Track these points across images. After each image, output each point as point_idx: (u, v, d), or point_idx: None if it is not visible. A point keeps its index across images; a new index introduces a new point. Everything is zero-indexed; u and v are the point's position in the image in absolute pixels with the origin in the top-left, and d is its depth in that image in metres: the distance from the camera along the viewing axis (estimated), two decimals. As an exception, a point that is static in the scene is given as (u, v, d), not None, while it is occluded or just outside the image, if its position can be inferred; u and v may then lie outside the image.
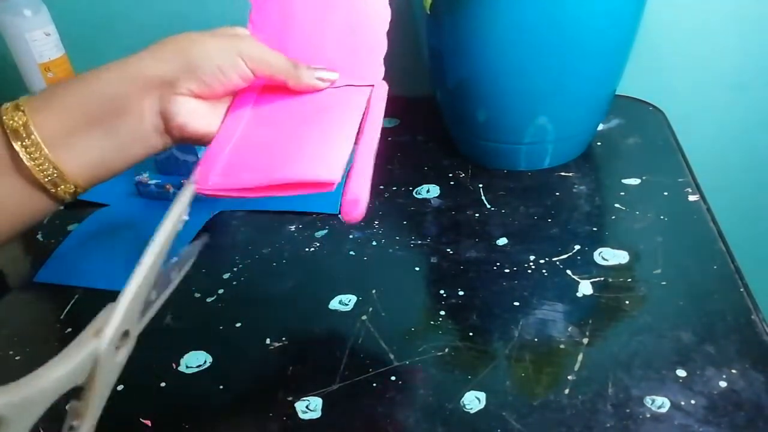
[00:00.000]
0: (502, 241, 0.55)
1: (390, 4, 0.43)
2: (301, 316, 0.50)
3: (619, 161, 0.66)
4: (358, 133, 0.39)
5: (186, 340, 0.47)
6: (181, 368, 0.45)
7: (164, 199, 0.64)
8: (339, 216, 0.34)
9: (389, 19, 0.43)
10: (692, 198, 0.58)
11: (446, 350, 0.45)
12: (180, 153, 0.64)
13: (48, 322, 0.52)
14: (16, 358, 0.48)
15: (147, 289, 0.31)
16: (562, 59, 0.56)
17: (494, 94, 0.60)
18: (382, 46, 0.43)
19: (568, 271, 0.51)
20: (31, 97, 0.36)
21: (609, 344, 0.44)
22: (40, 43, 0.74)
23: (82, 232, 0.61)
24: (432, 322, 0.47)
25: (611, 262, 0.51)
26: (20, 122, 0.34)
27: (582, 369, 0.43)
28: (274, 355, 0.46)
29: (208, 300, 0.51)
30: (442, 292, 0.50)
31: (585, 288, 0.49)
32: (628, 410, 0.39)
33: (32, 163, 0.35)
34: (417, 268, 0.53)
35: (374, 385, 0.43)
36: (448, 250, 0.55)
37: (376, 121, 0.40)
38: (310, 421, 0.41)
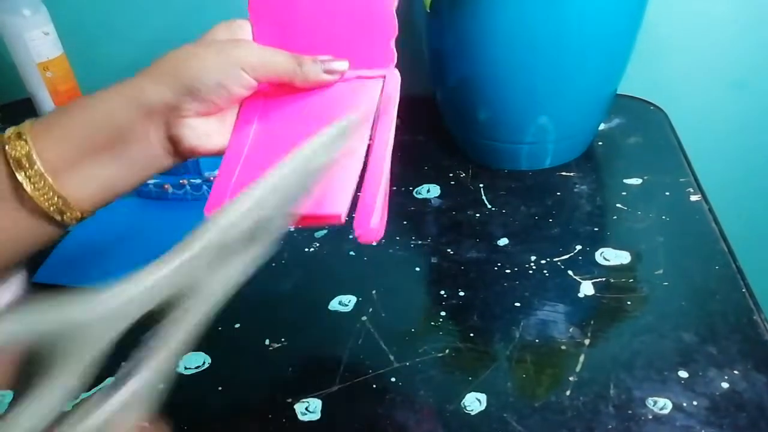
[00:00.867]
0: (503, 241, 0.55)
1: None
2: (301, 317, 0.49)
3: (621, 161, 0.65)
4: (368, 145, 0.37)
5: (185, 341, 0.47)
6: (180, 369, 0.45)
7: (163, 199, 0.63)
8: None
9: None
10: (694, 198, 0.58)
11: (447, 351, 0.45)
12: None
13: (47, 323, 0.52)
14: (15, 358, 0.48)
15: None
16: (563, 58, 0.56)
17: (495, 94, 0.60)
18: (392, 27, 0.40)
19: (570, 272, 0.51)
20: (35, 123, 0.35)
21: (610, 345, 0.44)
22: (39, 43, 0.74)
23: (81, 233, 0.61)
24: (432, 323, 0.47)
25: (613, 263, 0.51)
26: (23, 152, 0.34)
27: (583, 370, 0.42)
28: (274, 356, 0.46)
29: (208, 300, 0.51)
30: (442, 292, 0.50)
31: (586, 288, 0.49)
32: (629, 411, 0.39)
33: (36, 192, 0.34)
34: (417, 269, 0.53)
35: (374, 386, 0.43)
36: (449, 250, 0.54)
37: (387, 128, 0.37)
38: (310, 422, 0.41)
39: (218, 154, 0.39)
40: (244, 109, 0.40)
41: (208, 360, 0.46)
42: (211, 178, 0.63)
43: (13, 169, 0.34)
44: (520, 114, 0.61)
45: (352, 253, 0.55)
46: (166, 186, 0.63)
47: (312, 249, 0.56)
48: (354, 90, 0.40)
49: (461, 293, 0.50)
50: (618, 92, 0.65)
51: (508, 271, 0.52)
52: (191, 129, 0.37)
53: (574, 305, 0.48)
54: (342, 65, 0.40)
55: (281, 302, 0.51)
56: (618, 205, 0.58)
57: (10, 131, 0.35)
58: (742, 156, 0.82)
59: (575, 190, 0.61)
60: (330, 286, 0.52)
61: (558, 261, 0.52)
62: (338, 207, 0.34)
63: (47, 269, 0.56)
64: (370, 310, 0.49)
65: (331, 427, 0.40)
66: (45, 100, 0.78)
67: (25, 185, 0.34)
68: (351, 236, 0.57)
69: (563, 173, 0.64)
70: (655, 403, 0.40)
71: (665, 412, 0.39)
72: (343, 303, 0.50)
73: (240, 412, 0.42)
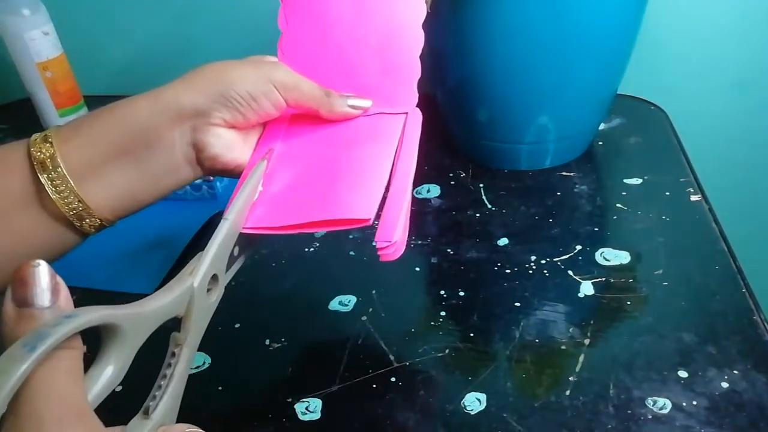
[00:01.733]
0: (503, 241, 0.55)
1: (423, 27, 0.42)
2: (301, 317, 0.49)
3: (621, 161, 0.65)
4: (392, 167, 0.38)
5: (185, 341, 0.47)
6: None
7: (164, 199, 0.63)
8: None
9: (422, 43, 0.41)
10: (694, 198, 0.58)
11: (447, 351, 0.45)
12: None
13: (47, 323, 0.52)
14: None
15: (232, 241, 0.35)
16: (563, 58, 0.56)
17: (495, 94, 0.60)
18: (416, 71, 0.42)
19: (570, 272, 0.51)
20: (60, 127, 0.36)
21: (610, 345, 0.44)
22: (39, 43, 0.74)
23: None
24: (432, 323, 0.47)
25: (613, 263, 0.51)
26: (47, 154, 0.34)
27: (583, 370, 0.42)
28: (274, 356, 0.46)
29: (208, 300, 0.51)
30: (442, 292, 0.50)
31: (586, 288, 0.49)
32: (629, 411, 0.39)
33: (57, 196, 0.34)
34: (417, 269, 0.53)
35: (374, 386, 0.43)
36: (449, 250, 0.54)
37: (410, 154, 0.38)
38: (310, 422, 0.41)
39: (233, 173, 0.39)
40: (268, 131, 0.41)
41: (208, 360, 0.46)
42: (211, 178, 0.63)
43: (37, 171, 0.34)
44: (520, 114, 0.61)
45: (352, 253, 0.55)
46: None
47: (312, 249, 0.56)
48: (376, 122, 0.41)
49: (461, 293, 0.50)
50: (618, 92, 0.65)
51: (508, 271, 0.52)
52: (217, 137, 0.37)
53: (574, 305, 0.48)
54: (366, 103, 0.41)
55: (281, 302, 0.51)
56: (618, 205, 0.58)
57: (36, 135, 0.36)
58: (742, 156, 0.82)
59: (575, 190, 0.61)
60: (330, 286, 0.52)
61: (558, 261, 0.52)
62: (366, 212, 0.35)
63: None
64: (370, 310, 0.49)
65: (331, 427, 0.40)
66: (45, 100, 0.78)
67: (47, 187, 0.34)
68: (351, 236, 0.57)
69: (563, 173, 0.64)
70: (655, 402, 0.40)
71: (665, 412, 0.39)
72: (343, 303, 0.50)
73: (240, 412, 0.42)
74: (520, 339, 0.45)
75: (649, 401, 0.40)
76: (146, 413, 0.28)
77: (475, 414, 0.40)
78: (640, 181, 0.61)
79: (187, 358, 0.31)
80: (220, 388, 0.44)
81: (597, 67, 0.58)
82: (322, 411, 0.41)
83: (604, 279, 0.50)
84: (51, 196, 0.34)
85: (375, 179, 0.37)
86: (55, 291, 0.23)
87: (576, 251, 0.53)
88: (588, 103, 0.62)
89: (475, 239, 0.55)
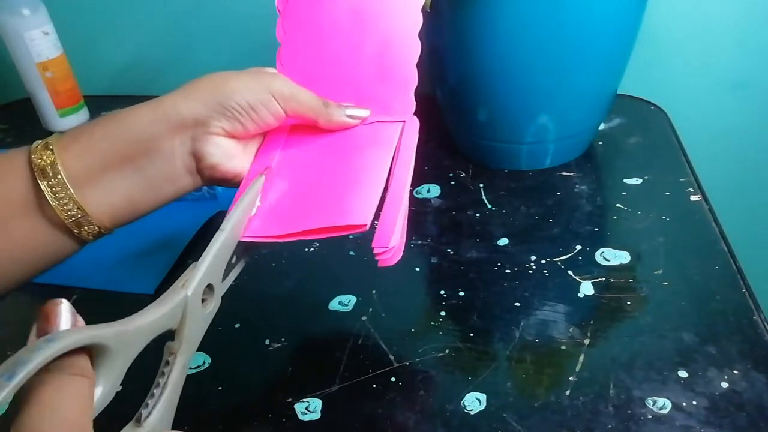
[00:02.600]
0: (503, 241, 0.55)
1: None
2: (301, 317, 0.49)
3: (621, 161, 0.65)
4: (389, 174, 0.38)
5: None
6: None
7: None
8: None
9: (419, 52, 0.42)
10: (694, 198, 0.58)
11: (447, 351, 0.45)
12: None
13: (47, 323, 0.52)
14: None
15: (228, 252, 0.34)
16: (563, 58, 0.56)
17: (495, 93, 0.60)
18: (413, 79, 0.42)
19: (570, 272, 0.51)
20: (61, 135, 0.36)
21: (610, 345, 0.44)
22: (39, 43, 0.74)
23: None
24: (432, 323, 0.47)
25: (613, 263, 0.51)
26: (48, 161, 0.34)
27: (583, 370, 0.42)
28: (274, 356, 0.46)
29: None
30: (442, 292, 0.50)
31: (586, 288, 0.49)
32: (629, 411, 0.39)
33: (57, 203, 0.34)
34: (417, 269, 0.53)
35: (374, 386, 0.43)
36: (449, 250, 0.54)
37: (408, 161, 0.39)
38: (310, 422, 0.41)
39: (233, 182, 0.40)
40: (268, 140, 0.42)
41: (208, 360, 0.46)
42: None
43: (37, 178, 0.34)
44: (520, 114, 0.61)
45: (352, 253, 0.55)
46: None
47: (312, 249, 0.56)
48: (374, 131, 0.41)
49: (461, 293, 0.50)
50: (618, 92, 0.65)
51: (508, 271, 0.52)
52: (216, 146, 0.38)
53: (574, 305, 0.48)
54: (364, 113, 0.42)
55: (281, 302, 0.51)
56: (618, 205, 0.58)
57: (38, 142, 0.36)
58: (742, 156, 0.82)
59: (575, 190, 0.61)
60: (330, 286, 0.52)
61: (558, 261, 0.52)
62: (363, 217, 0.36)
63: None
64: (370, 310, 0.49)
65: (331, 427, 0.40)
66: (44, 100, 0.78)
67: (46, 194, 0.34)
68: (351, 236, 0.57)
69: (563, 173, 0.64)
70: (655, 402, 0.40)
71: (665, 411, 0.39)
72: (343, 303, 0.50)
73: (240, 412, 0.42)
74: (520, 339, 0.45)
75: (649, 401, 0.40)
76: (138, 421, 0.28)
77: (475, 414, 0.40)
78: (640, 181, 0.61)
79: (181, 367, 0.31)
80: (219, 387, 0.44)
81: (597, 67, 0.58)
82: (321, 411, 0.41)
83: (604, 279, 0.50)
84: (50, 203, 0.34)
85: (372, 185, 0.37)
86: (74, 327, 0.24)
87: (576, 251, 0.53)
88: (588, 103, 0.62)
89: (475, 239, 0.55)
